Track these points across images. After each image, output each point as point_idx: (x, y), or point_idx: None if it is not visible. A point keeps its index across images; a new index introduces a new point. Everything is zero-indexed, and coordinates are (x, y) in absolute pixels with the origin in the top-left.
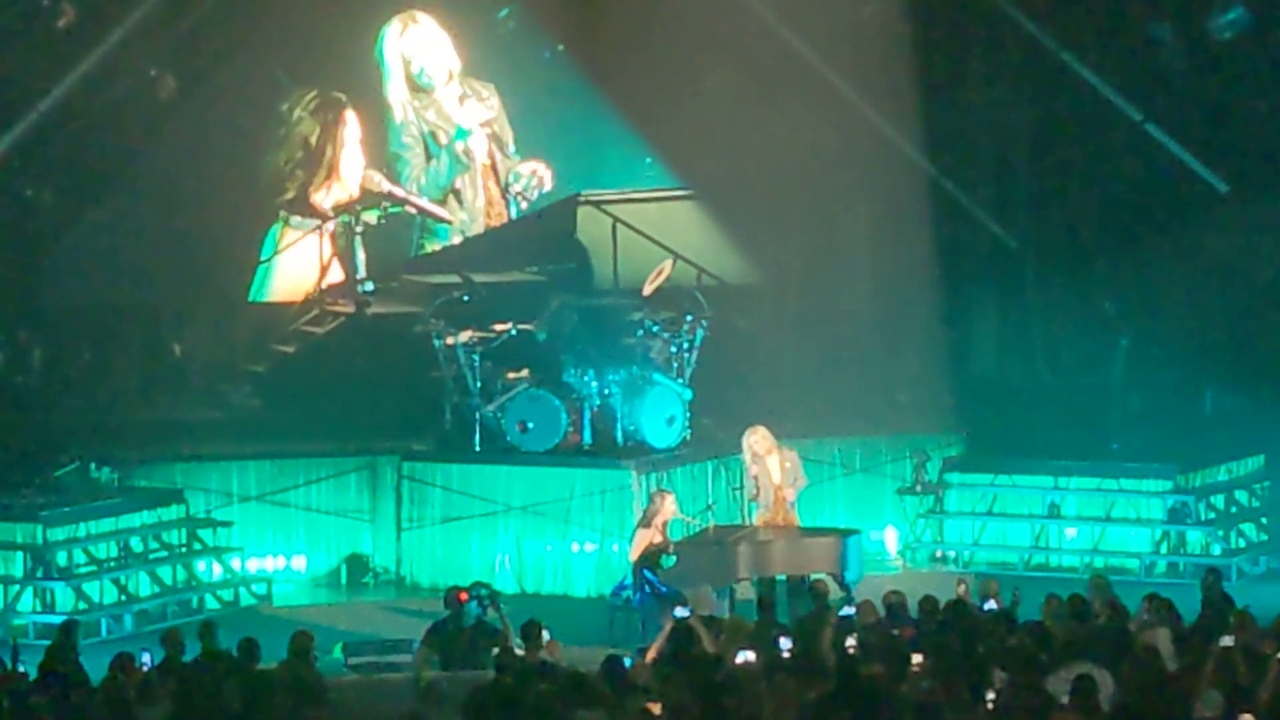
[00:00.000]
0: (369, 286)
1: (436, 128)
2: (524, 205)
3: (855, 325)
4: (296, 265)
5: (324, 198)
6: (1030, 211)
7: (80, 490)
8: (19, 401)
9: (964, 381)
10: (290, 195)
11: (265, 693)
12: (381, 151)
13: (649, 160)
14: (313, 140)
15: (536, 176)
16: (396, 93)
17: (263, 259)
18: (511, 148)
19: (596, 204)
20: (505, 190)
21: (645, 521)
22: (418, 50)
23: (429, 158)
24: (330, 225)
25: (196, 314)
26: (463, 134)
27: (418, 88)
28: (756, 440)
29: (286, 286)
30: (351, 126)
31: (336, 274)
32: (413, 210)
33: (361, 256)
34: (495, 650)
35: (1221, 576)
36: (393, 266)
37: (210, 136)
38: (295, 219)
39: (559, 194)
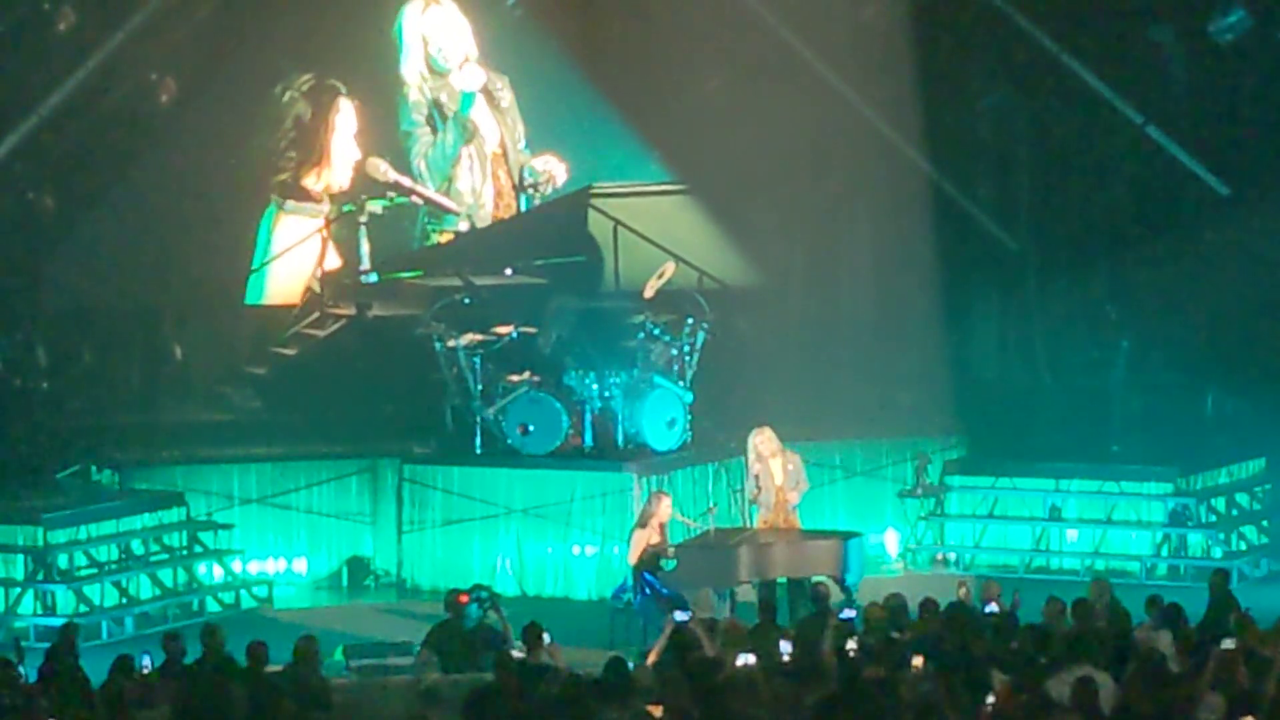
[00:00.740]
0: (373, 278)
1: (445, 106)
2: (537, 201)
3: (856, 328)
4: (292, 263)
5: (314, 182)
6: (1031, 214)
7: (81, 493)
8: (20, 404)
9: (965, 384)
10: (283, 177)
11: (273, 697)
12: (388, 134)
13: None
14: (305, 119)
15: (548, 173)
16: (413, 69)
17: (257, 250)
18: (523, 142)
19: (607, 197)
20: (520, 184)
21: (642, 522)
22: (437, 30)
23: (435, 132)
24: (324, 208)
25: (198, 317)
26: (468, 101)
27: (433, 69)
28: (762, 441)
29: (282, 288)
30: (345, 114)
31: (333, 261)
32: (419, 201)
33: (366, 248)
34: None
35: (1229, 577)
36: (397, 257)
37: (212, 139)
38: (289, 203)
39: (570, 189)
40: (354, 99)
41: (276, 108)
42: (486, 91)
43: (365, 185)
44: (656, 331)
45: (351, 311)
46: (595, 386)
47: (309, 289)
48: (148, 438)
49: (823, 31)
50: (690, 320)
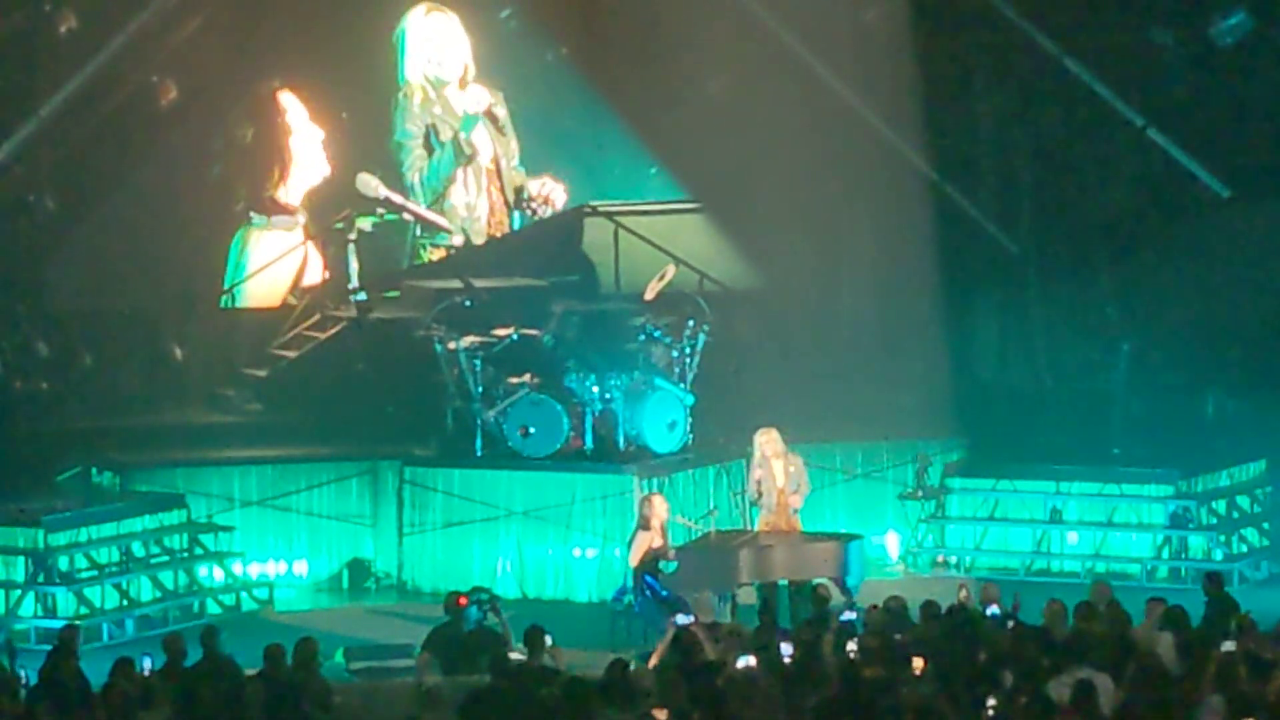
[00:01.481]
0: (361, 296)
1: (441, 121)
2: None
3: (857, 330)
4: (269, 280)
5: (285, 192)
6: (1032, 216)
7: (82, 495)
8: (21, 406)
9: (966, 386)
10: (240, 205)
11: (290, 698)
12: (380, 144)
13: (653, 171)
14: (248, 140)
15: (545, 196)
16: (416, 72)
17: (228, 271)
18: (516, 158)
19: (604, 216)
20: (518, 202)
21: (642, 525)
22: (438, 36)
23: (430, 151)
24: (301, 219)
25: (198, 319)
26: (469, 124)
27: (432, 78)
28: (767, 441)
29: (262, 290)
30: (293, 110)
31: (315, 275)
32: (409, 218)
33: (354, 265)
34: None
35: (1223, 580)
36: (386, 274)
37: (211, 143)
38: (258, 218)
39: (566, 205)
40: (291, 86)
41: (220, 137)
42: (486, 110)
43: (355, 201)
44: (657, 334)
45: (352, 314)
46: (596, 389)
47: (285, 303)
48: (148, 440)
49: (823, 34)
50: (691, 322)
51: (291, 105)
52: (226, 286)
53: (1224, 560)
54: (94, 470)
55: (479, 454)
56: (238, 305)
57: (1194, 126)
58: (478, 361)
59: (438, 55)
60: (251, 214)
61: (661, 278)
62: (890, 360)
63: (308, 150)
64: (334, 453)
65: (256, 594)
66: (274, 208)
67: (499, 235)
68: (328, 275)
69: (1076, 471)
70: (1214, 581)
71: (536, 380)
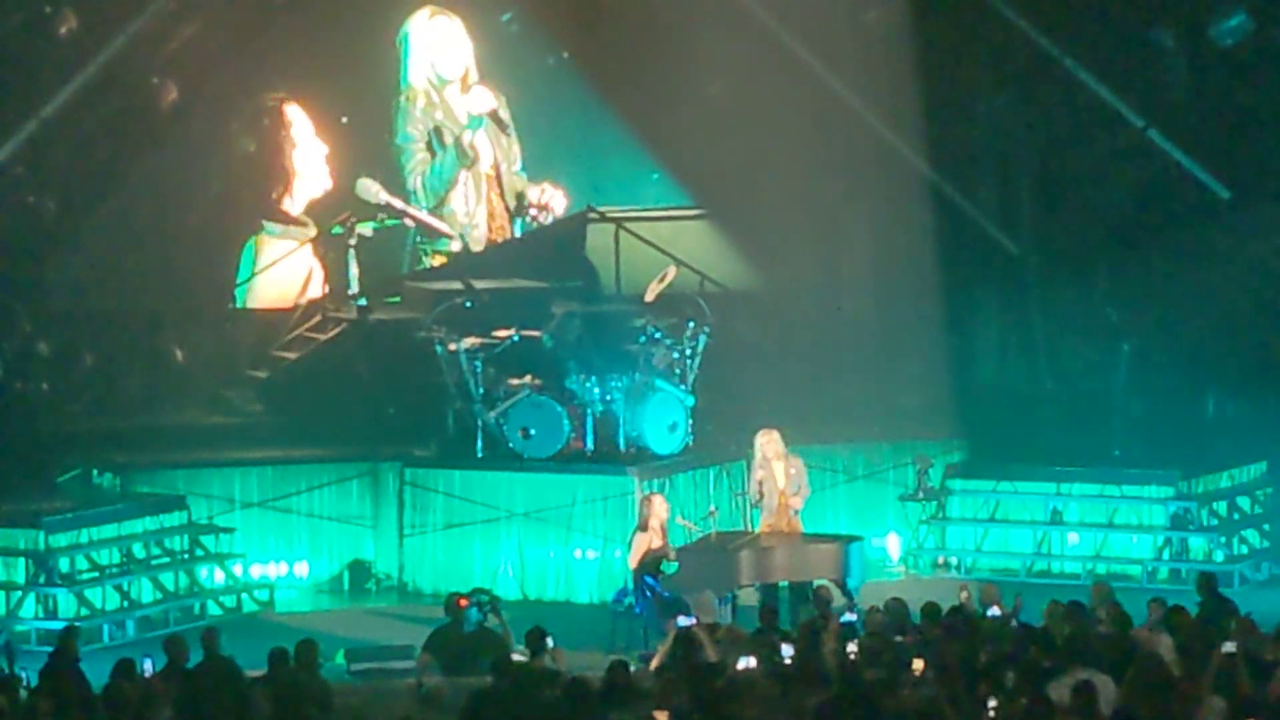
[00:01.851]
0: (362, 302)
1: (443, 126)
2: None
3: (858, 331)
4: (279, 278)
5: (292, 204)
6: (1032, 217)
7: (83, 496)
8: (21, 407)
9: (966, 387)
10: (250, 220)
11: (292, 701)
12: (380, 149)
13: (655, 176)
14: (251, 150)
15: (543, 203)
16: (420, 75)
17: (241, 277)
18: (519, 163)
19: (606, 220)
20: (519, 209)
21: (641, 526)
22: (440, 39)
23: (432, 153)
24: (310, 232)
25: (199, 320)
26: (476, 124)
27: (434, 80)
28: (768, 443)
29: (270, 297)
30: (299, 124)
31: (316, 289)
32: (410, 223)
33: (354, 271)
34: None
35: (1216, 579)
36: (386, 280)
37: (212, 143)
38: (270, 225)
39: (567, 210)
40: (292, 90)
41: (223, 148)
42: (491, 112)
43: (355, 206)
44: (658, 335)
45: (353, 315)
46: (597, 390)
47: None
48: (149, 441)
49: (824, 35)
50: (692, 323)
51: (297, 118)
52: (240, 280)
53: (1225, 561)
54: (94, 471)
55: (480, 455)
56: (242, 307)
57: (1194, 127)
58: (478, 363)
59: (441, 59)
60: (265, 222)
61: (662, 279)
62: (891, 361)
63: (311, 163)
64: (335, 454)
65: (257, 595)
66: (288, 217)
67: (500, 241)
68: (327, 285)
69: (1077, 473)
70: (1208, 582)
71: (537, 382)
